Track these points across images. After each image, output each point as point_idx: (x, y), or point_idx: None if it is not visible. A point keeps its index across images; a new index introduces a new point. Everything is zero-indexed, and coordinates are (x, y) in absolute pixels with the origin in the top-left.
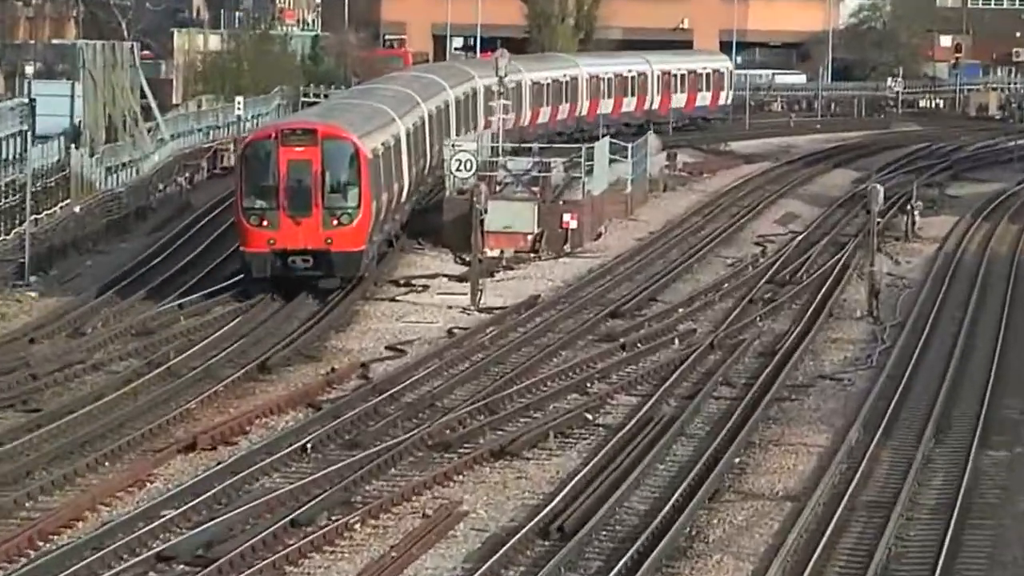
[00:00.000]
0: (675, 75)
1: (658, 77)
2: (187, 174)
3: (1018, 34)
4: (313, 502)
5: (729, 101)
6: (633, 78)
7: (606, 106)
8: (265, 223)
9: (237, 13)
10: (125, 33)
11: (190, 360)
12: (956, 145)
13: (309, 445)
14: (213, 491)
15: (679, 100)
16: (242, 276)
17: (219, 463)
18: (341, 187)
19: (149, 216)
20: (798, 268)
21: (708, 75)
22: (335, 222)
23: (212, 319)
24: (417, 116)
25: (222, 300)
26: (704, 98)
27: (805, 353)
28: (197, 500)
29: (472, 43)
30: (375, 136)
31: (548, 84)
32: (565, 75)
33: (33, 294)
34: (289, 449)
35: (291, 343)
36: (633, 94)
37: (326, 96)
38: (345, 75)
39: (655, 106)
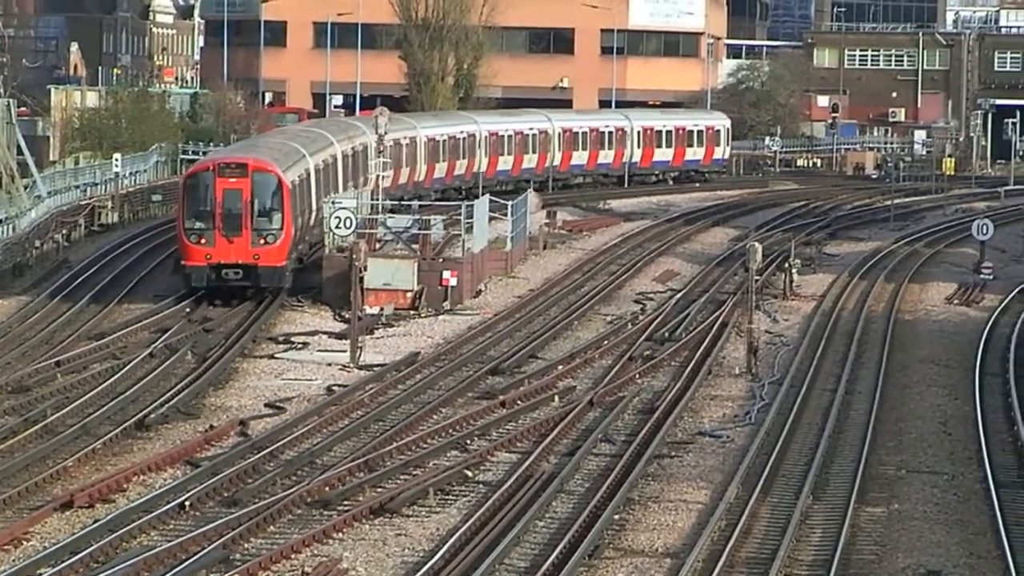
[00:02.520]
0: (659, 131)
1: (638, 132)
2: (64, 231)
3: (894, 94)
4: (191, 560)
5: (726, 156)
6: (611, 133)
7: (580, 158)
8: (203, 241)
9: (115, 70)
10: (1, 90)
11: (67, 417)
12: (833, 204)
13: (187, 503)
14: (90, 549)
15: (664, 154)
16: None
17: (96, 521)
18: (267, 212)
19: (26, 273)
20: (677, 326)
21: (701, 132)
22: (262, 241)
23: (90, 376)
24: (328, 154)
25: (99, 357)
26: (696, 153)
27: (684, 410)
28: (74, 559)
29: (352, 101)
30: (294, 169)
31: (510, 136)
32: (532, 128)
33: None
34: (167, 507)
35: (169, 400)
36: (611, 147)
37: (204, 153)
38: (224, 132)
39: (635, 159)
